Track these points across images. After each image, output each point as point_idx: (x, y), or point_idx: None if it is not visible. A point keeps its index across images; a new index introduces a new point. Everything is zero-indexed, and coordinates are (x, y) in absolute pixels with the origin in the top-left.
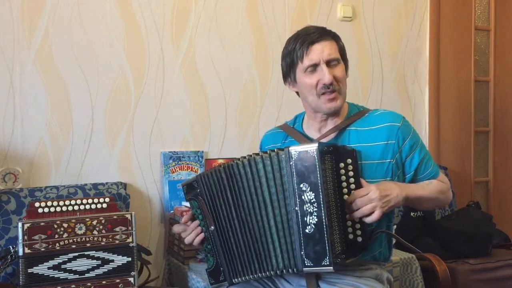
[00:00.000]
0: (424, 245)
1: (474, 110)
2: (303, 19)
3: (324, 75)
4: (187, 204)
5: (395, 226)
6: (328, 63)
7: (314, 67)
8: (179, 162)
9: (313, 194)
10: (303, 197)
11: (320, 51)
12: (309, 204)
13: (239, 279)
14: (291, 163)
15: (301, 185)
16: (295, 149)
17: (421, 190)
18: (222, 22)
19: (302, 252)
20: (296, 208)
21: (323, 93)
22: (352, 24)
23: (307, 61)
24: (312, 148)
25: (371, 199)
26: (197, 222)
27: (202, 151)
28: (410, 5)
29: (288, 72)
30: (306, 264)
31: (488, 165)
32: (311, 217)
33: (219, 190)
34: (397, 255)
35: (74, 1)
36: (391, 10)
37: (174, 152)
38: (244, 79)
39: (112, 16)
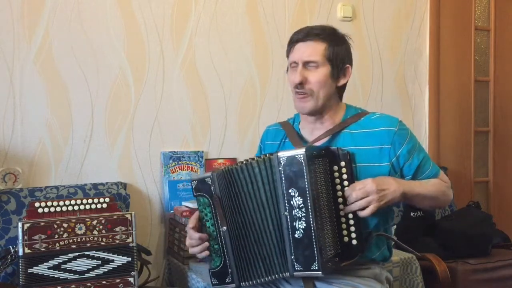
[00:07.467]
0: (424, 245)
1: (474, 110)
2: (303, 19)
3: (295, 75)
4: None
5: (394, 226)
6: (306, 64)
7: (296, 65)
8: (179, 162)
9: (301, 199)
10: (291, 202)
11: (301, 51)
12: (297, 209)
13: (248, 282)
14: (280, 168)
15: (290, 190)
16: (283, 154)
17: (420, 187)
18: (222, 22)
19: (292, 257)
20: (286, 213)
21: (296, 92)
22: (352, 24)
23: (290, 58)
24: (300, 153)
25: (367, 192)
26: (205, 235)
27: (202, 151)
28: (410, 5)
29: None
30: (296, 268)
31: (488, 165)
32: (299, 222)
33: (232, 191)
34: (397, 255)
35: (74, 1)
36: (391, 10)
37: (174, 152)
38: (244, 79)
39: (112, 16)
